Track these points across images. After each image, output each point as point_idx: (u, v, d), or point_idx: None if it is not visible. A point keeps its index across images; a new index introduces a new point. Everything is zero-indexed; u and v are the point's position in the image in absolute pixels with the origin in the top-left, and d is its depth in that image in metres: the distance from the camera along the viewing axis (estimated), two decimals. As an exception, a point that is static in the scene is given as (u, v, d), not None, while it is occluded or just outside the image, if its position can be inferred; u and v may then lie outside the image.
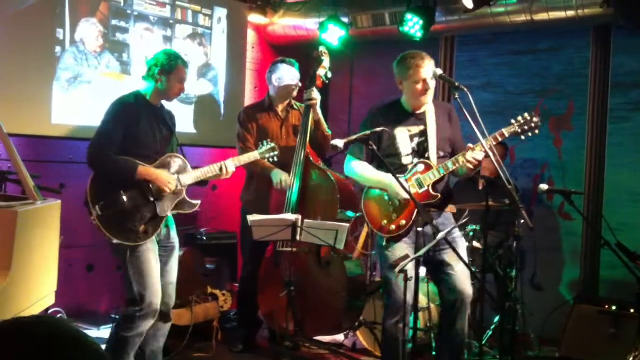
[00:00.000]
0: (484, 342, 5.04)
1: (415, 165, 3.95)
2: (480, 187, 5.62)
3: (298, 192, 4.73)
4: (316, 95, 4.84)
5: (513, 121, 3.90)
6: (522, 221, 4.71)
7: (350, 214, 4.83)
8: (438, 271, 4.05)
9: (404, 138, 4.00)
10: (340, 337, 5.38)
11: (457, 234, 4.10)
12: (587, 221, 5.66)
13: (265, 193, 4.91)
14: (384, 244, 3.99)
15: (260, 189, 4.96)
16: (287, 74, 5.01)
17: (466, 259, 4.05)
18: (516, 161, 6.31)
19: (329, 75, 4.96)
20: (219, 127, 6.54)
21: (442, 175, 3.90)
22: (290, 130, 5.05)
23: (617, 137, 5.86)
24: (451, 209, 4.18)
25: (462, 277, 3.96)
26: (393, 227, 3.94)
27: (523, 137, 3.90)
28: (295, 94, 5.09)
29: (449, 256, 3.90)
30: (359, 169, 4.08)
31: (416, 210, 3.83)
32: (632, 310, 4.71)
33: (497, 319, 5.21)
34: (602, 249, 5.55)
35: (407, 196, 3.73)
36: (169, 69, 4.01)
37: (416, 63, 3.91)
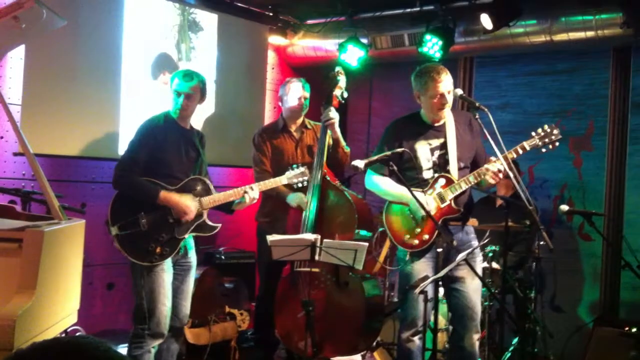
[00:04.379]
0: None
1: (437, 179, 3.96)
2: (498, 206, 5.61)
3: (315, 211, 4.74)
4: (333, 114, 4.84)
5: (533, 134, 3.90)
6: (542, 242, 4.70)
7: (367, 233, 4.83)
8: (449, 285, 4.04)
9: (424, 152, 4.01)
10: (357, 358, 5.36)
11: (476, 249, 4.10)
12: (607, 242, 5.62)
13: (281, 213, 4.92)
14: (407, 258, 4.00)
15: (276, 209, 4.97)
16: (290, 95, 5.06)
17: (480, 273, 4.05)
18: (535, 181, 6.29)
19: (345, 95, 4.98)
20: (238, 147, 6.57)
21: (463, 189, 3.91)
22: (305, 150, 5.06)
23: (638, 157, 5.83)
24: (473, 222, 4.17)
25: (473, 293, 3.96)
26: (416, 241, 3.94)
27: (544, 150, 3.90)
28: (303, 111, 5.08)
29: (461, 271, 3.89)
30: (380, 183, 4.09)
31: (439, 222, 3.84)
32: (653, 333, 4.66)
33: (515, 340, 5.18)
34: (622, 270, 5.54)
35: (428, 209, 3.78)
36: (172, 87, 4.15)
37: (433, 77, 3.92)
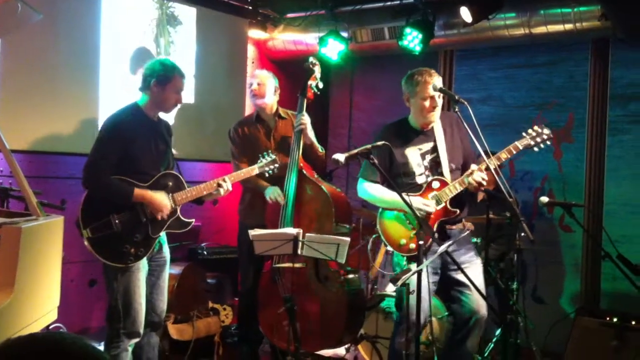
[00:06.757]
0: (485, 355, 5.03)
1: (431, 182, 3.97)
2: (480, 200, 5.63)
3: (293, 206, 4.72)
4: (306, 119, 4.81)
5: (525, 134, 3.94)
6: (523, 234, 4.72)
7: (346, 227, 4.82)
8: (453, 289, 4.04)
9: (415, 157, 4.03)
10: (341, 351, 5.37)
11: (473, 252, 4.09)
12: (587, 233, 5.67)
13: (260, 204, 4.90)
14: (404, 263, 3.99)
15: (255, 200, 4.96)
16: (248, 86, 5.08)
17: (482, 277, 4.05)
18: (516, 174, 6.32)
19: (320, 85, 4.93)
20: (218, 142, 6.55)
21: (459, 190, 3.92)
22: (279, 139, 5.02)
23: (617, 149, 5.88)
24: (469, 225, 4.18)
25: (478, 297, 3.95)
26: (413, 245, 3.93)
27: (536, 149, 3.95)
28: (260, 99, 5.00)
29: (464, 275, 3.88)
30: (373, 191, 4.10)
31: (436, 225, 3.86)
32: (634, 323, 4.70)
33: (498, 331, 5.21)
34: (603, 261, 5.58)
35: (429, 209, 3.83)
36: (165, 80, 3.97)
37: (424, 79, 3.95)
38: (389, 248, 4.10)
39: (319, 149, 4.98)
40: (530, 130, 3.94)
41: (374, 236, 4.93)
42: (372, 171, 4.08)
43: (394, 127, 4.16)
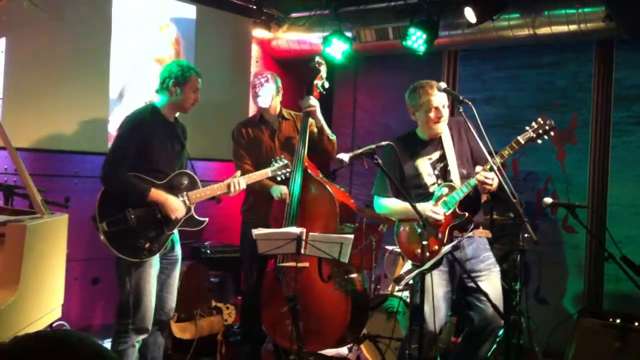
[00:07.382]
0: (488, 356, 5.02)
1: (440, 189, 3.97)
2: (483, 200, 5.63)
3: (297, 204, 4.72)
4: (313, 102, 4.81)
5: (527, 127, 3.92)
6: (526, 235, 4.72)
7: (351, 226, 4.83)
8: (471, 296, 4.02)
9: (426, 167, 4.04)
10: (344, 351, 5.37)
11: (491, 260, 4.08)
12: (591, 234, 5.66)
13: (264, 205, 4.90)
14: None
15: (259, 201, 4.96)
16: (252, 87, 5.08)
17: (499, 286, 4.04)
18: (520, 174, 6.31)
19: (326, 85, 4.94)
20: (223, 141, 6.55)
21: (465, 193, 3.91)
22: (283, 140, 5.03)
23: (621, 150, 5.88)
24: (486, 233, 4.17)
25: (496, 304, 3.93)
26: (427, 254, 3.92)
27: (539, 141, 3.92)
28: (259, 98, 4.99)
29: (483, 283, 3.86)
30: (388, 204, 4.12)
31: (447, 231, 3.88)
32: (637, 324, 4.70)
33: (501, 332, 5.20)
34: (606, 262, 5.57)
35: (437, 217, 3.83)
36: (183, 80, 4.06)
37: (427, 91, 3.94)
38: (407, 258, 4.12)
39: (330, 134, 4.97)
40: (532, 123, 3.91)
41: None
42: (384, 187, 4.10)
43: (400, 140, 4.13)
